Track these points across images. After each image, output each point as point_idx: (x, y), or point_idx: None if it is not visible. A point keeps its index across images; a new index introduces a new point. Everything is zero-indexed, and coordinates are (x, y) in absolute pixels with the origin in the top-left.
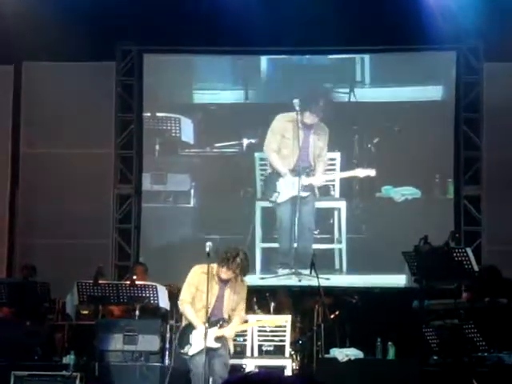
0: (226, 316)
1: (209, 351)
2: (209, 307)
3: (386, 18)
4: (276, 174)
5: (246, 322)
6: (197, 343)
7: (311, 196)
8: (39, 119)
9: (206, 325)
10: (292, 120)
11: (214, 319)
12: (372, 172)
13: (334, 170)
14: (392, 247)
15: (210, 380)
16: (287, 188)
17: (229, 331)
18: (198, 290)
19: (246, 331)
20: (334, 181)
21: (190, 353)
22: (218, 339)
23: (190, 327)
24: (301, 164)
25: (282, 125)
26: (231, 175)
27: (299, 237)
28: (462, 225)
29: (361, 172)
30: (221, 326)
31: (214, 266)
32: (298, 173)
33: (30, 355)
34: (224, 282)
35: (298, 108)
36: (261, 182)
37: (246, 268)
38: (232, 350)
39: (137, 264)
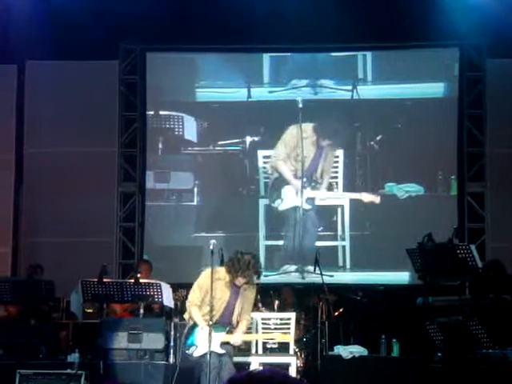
0: (234, 322)
1: (214, 355)
2: (217, 312)
3: (389, 14)
4: (281, 180)
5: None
6: (202, 345)
7: (313, 210)
8: (43, 118)
9: (212, 330)
10: (306, 137)
11: (222, 324)
12: (377, 199)
13: (337, 167)
14: (396, 244)
15: (217, 381)
16: (291, 196)
17: (235, 339)
18: (208, 294)
19: (251, 328)
20: (337, 178)
21: (195, 354)
22: (224, 345)
23: (196, 328)
24: (308, 176)
25: (294, 140)
26: (234, 173)
27: (303, 235)
28: (465, 222)
29: (366, 197)
30: (228, 332)
31: (223, 269)
32: (304, 184)
33: (35, 354)
34: (237, 288)
35: (312, 126)
36: (264, 180)
37: (259, 271)
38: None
39: (142, 261)
